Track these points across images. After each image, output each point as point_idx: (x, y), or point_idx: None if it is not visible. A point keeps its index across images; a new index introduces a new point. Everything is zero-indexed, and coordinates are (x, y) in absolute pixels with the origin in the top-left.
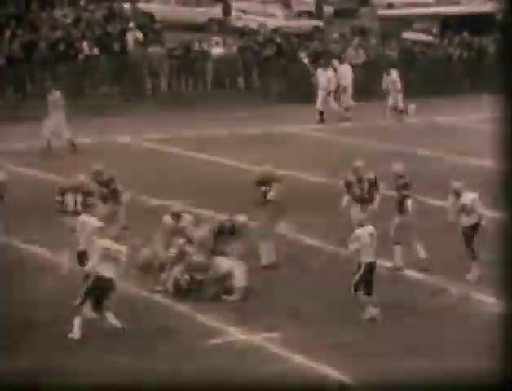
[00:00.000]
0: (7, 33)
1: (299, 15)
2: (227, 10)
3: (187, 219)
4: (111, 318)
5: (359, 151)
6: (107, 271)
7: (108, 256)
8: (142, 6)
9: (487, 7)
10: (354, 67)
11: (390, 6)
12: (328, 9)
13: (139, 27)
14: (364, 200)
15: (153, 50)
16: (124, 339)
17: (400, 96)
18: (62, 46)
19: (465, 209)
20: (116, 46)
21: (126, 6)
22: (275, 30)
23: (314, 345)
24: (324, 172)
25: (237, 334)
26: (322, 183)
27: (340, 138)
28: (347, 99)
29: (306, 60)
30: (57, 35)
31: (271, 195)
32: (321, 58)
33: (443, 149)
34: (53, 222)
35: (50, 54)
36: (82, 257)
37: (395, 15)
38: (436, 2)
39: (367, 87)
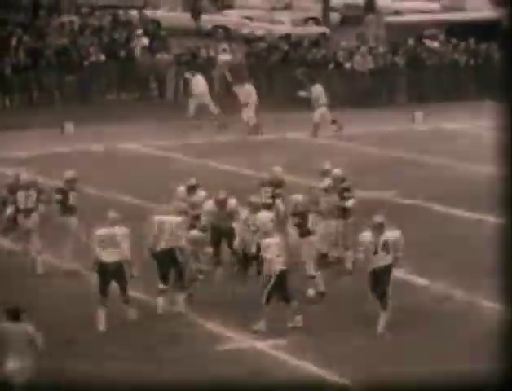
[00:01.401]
0: (14, 41)
1: (306, 21)
2: (196, 14)
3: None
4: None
5: (366, 159)
6: (108, 257)
7: (104, 242)
8: (148, 13)
9: (493, 14)
10: (362, 74)
11: (397, 13)
12: (335, 16)
13: (146, 34)
14: None
15: (160, 56)
16: (129, 344)
17: (325, 109)
18: (68, 53)
19: (384, 248)
20: (123, 53)
21: (133, 13)
22: (282, 37)
23: (320, 351)
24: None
25: (243, 340)
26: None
27: (347, 146)
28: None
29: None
30: (63, 42)
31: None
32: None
33: (450, 156)
34: (52, 226)
35: (56, 61)
36: (173, 254)
37: (401, 22)
38: (442, 9)
39: (373, 94)
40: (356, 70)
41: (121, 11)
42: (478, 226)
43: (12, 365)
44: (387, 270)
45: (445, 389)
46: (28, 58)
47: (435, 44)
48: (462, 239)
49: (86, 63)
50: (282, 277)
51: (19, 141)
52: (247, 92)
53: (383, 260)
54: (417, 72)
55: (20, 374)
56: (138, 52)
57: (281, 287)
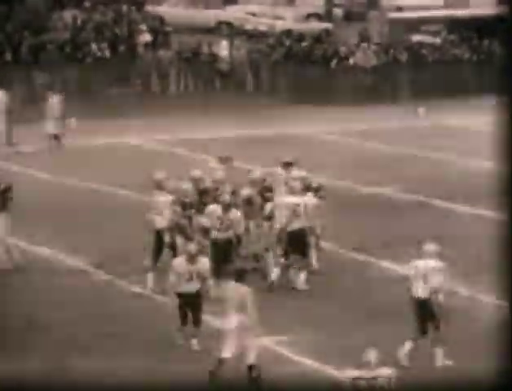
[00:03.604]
0: (17, 36)
1: (308, 17)
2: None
3: None
4: None
5: (369, 154)
6: (159, 224)
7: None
8: (151, 8)
9: (496, 10)
10: (364, 70)
11: (399, 9)
12: (338, 12)
13: (149, 29)
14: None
15: (163, 52)
16: (132, 341)
17: (60, 122)
18: (71, 48)
19: (422, 277)
20: (126, 48)
21: (136, 8)
22: (285, 33)
23: (324, 348)
24: (333, 174)
25: None
26: (329, 185)
27: (349, 141)
28: None
29: None
30: (66, 37)
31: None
32: None
33: (453, 151)
34: (57, 223)
35: (58, 56)
36: (304, 234)
37: (404, 18)
38: (445, 4)
39: (375, 90)
40: (359, 66)
41: (124, 7)
42: (480, 222)
43: (232, 321)
44: (425, 302)
45: (446, 386)
46: (30, 53)
47: (437, 40)
48: (463, 234)
49: (87, 58)
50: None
51: (19, 135)
52: None
53: (423, 289)
54: (419, 68)
55: (239, 333)
56: (140, 48)
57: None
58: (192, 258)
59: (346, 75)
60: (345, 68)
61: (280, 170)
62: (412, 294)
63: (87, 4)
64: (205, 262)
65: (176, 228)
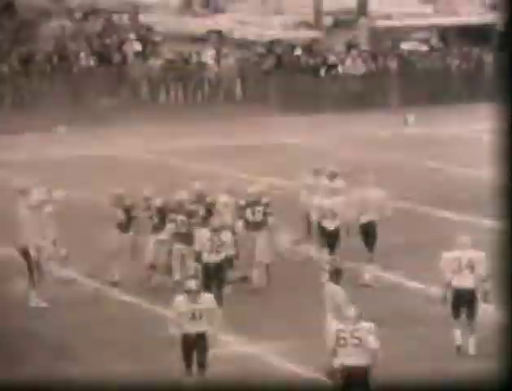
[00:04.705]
0: (6, 45)
1: (297, 26)
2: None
3: None
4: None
5: (358, 162)
6: (212, 258)
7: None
8: (141, 17)
9: (486, 18)
10: (353, 77)
11: (389, 16)
12: (327, 20)
13: (138, 38)
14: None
15: (152, 61)
16: (125, 347)
17: None
18: (59, 58)
19: (468, 267)
20: (116, 58)
21: (125, 17)
22: (274, 41)
23: (315, 355)
24: None
25: (238, 343)
26: None
27: (338, 149)
28: None
29: None
30: (55, 47)
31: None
32: None
33: (443, 160)
34: None
35: (48, 66)
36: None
37: (393, 25)
38: (435, 12)
39: (365, 98)
40: (348, 74)
41: (114, 16)
42: (468, 229)
43: (332, 323)
44: (471, 292)
45: (447, 386)
46: (20, 63)
47: (426, 48)
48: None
49: (74, 67)
50: None
51: (11, 144)
52: None
53: (467, 279)
54: (408, 76)
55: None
56: (130, 57)
57: None
58: (193, 296)
59: (335, 83)
60: (334, 75)
61: (323, 179)
62: (456, 284)
63: (78, 16)
64: (208, 300)
65: (179, 236)
